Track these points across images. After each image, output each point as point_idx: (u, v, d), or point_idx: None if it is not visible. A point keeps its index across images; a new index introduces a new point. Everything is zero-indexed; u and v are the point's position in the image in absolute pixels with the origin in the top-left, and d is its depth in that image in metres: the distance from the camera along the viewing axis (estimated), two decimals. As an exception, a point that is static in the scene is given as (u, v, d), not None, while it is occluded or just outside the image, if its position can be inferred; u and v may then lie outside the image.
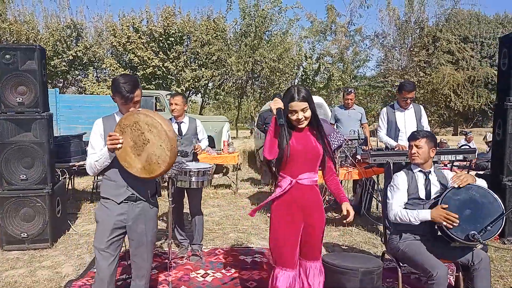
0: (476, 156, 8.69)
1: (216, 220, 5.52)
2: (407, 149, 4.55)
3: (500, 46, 4.70)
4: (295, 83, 18.58)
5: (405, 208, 2.93)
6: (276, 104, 2.32)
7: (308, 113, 2.40)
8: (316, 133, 2.50)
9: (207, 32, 17.65)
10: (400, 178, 2.99)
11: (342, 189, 2.63)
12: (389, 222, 4.69)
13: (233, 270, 3.83)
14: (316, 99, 9.80)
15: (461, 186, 2.71)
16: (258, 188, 7.70)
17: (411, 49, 20.45)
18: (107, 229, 2.49)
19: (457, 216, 2.63)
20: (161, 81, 18.54)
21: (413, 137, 3.01)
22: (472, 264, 2.81)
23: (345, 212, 2.47)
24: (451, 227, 2.64)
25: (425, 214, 2.78)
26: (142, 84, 17.43)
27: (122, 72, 18.01)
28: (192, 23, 18.40)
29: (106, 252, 2.49)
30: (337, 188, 2.61)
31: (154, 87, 17.70)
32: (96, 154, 2.46)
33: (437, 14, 21.05)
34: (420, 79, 19.36)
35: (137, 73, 18.20)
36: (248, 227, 5.23)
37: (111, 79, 18.20)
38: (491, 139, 10.24)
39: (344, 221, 2.49)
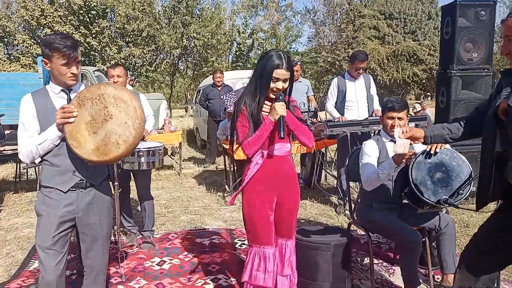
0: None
1: (163, 203, 5.15)
2: (347, 120, 4.56)
3: (442, 15, 4.80)
4: (230, 59, 18.23)
5: None
6: (282, 111, 2.11)
7: (287, 84, 2.21)
8: (287, 102, 2.30)
9: (133, 6, 16.48)
10: (370, 146, 2.90)
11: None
12: (343, 192, 4.72)
13: (191, 255, 3.55)
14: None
15: (437, 151, 2.67)
16: (204, 167, 7.39)
17: (339, 25, 20.99)
18: (52, 223, 2.07)
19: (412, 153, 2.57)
20: (83, 58, 17.08)
21: (393, 109, 2.82)
22: (439, 228, 2.83)
23: None
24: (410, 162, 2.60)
25: (388, 162, 2.67)
26: (63, 62, 15.94)
27: (38, 49, 16.32)
28: (115, -5, 17.07)
29: (52, 250, 2.07)
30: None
31: (76, 64, 16.25)
32: (39, 136, 2.01)
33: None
34: (349, 54, 20.01)
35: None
36: (199, 208, 4.94)
37: (25, 57, 16.43)
38: (419, 109, 10.93)
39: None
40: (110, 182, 2.98)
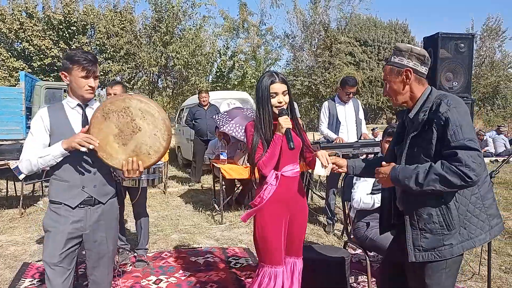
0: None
1: (152, 222, 5.09)
2: (346, 142, 4.77)
3: (424, 45, 5.09)
4: (210, 80, 18.37)
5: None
6: (287, 123, 2.23)
7: (287, 98, 2.32)
8: (294, 124, 2.42)
9: (113, 23, 16.48)
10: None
11: None
12: (332, 212, 4.84)
13: (187, 273, 3.55)
14: (242, 94, 9.75)
15: None
16: (189, 186, 7.38)
17: (316, 50, 21.64)
18: (60, 240, 2.08)
19: None
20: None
21: (391, 135, 2.98)
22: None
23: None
24: None
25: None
26: (40, 76, 15.66)
27: (15, 62, 16.00)
28: (96, 12, 17.03)
29: (59, 267, 2.07)
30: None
31: (53, 79, 15.97)
32: (43, 150, 2.03)
33: (338, 18, 22.67)
34: (325, 78, 20.58)
35: (33, 64, 16.27)
36: (189, 226, 4.94)
37: (0, 70, 16.01)
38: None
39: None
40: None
